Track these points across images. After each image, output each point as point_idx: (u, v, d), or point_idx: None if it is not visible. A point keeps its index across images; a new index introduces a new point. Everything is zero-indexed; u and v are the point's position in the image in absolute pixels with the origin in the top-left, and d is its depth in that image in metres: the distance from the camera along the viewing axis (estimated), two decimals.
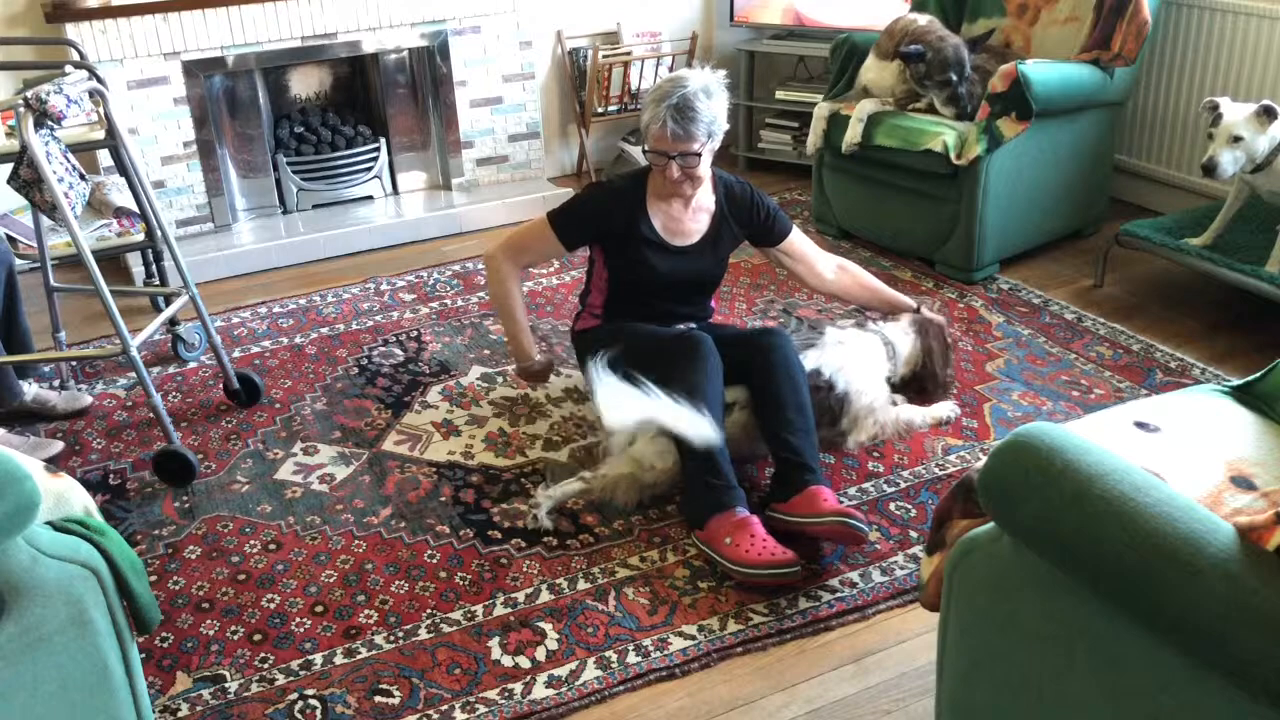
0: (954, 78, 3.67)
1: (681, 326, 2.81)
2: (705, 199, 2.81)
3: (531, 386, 3.13)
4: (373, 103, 4.60)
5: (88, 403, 3.15)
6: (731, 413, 2.64)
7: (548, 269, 3.95)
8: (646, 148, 2.68)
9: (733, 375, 2.65)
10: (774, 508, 2.48)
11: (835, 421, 2.77)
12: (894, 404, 2.88)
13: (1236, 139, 3.10)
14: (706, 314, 2.95)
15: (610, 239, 2.80)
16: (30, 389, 3.07)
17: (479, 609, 2.30)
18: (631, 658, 2.16)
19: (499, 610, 2.30)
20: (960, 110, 3.68)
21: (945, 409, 2.92)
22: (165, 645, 2.23)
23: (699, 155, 2.64)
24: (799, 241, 2.97)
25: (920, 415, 2.90)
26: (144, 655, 2.15)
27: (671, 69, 4.83)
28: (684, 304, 2.86)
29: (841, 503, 2.48)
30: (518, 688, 2.09)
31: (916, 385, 2.95)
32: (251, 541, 2.55)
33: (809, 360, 2.71)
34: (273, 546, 2.53)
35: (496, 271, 2.89)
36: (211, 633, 2.26)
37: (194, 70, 4.05)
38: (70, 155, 2.68)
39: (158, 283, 3.63)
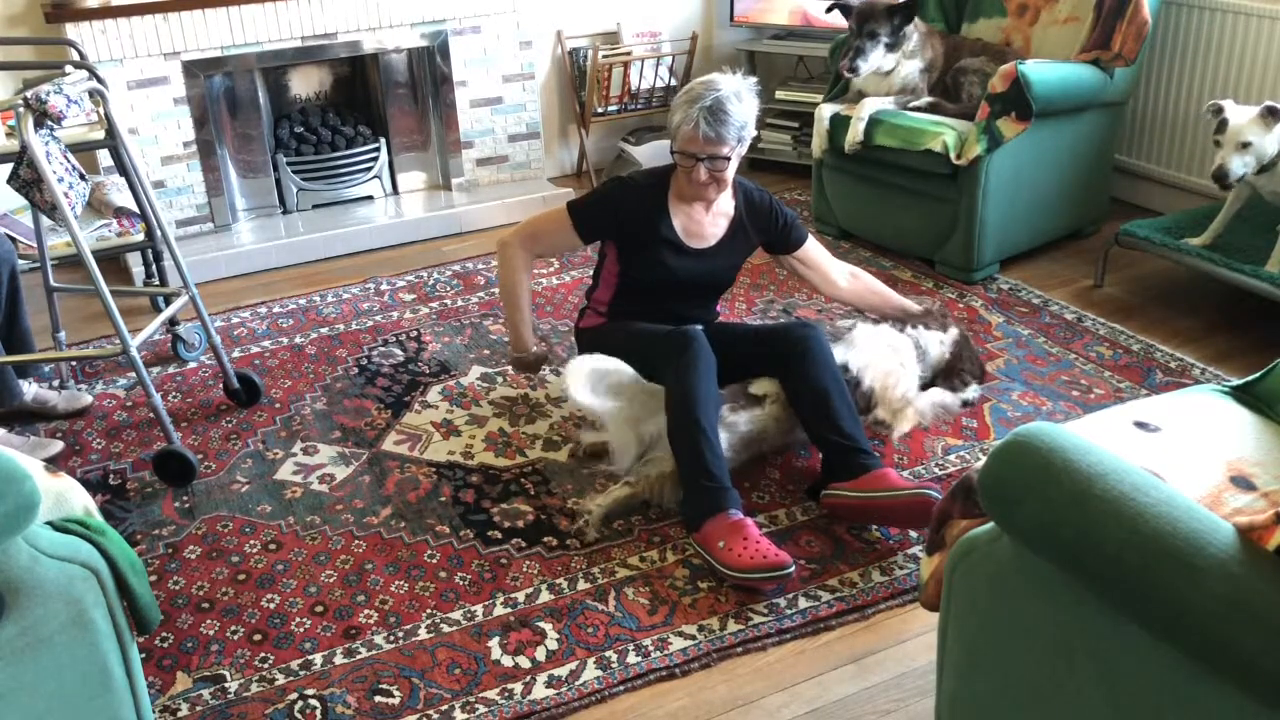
0: (855, 28, 3.81)
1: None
2: (725, 204, 2.81)
3: (528, 379, 3.13)
4: (373, 103, 4.60)
5: (88, 402, 3.15)
6: (764, 406, 2.67)
7: (547, 269, 3.95)
8: (675, 148, 2.67)
9: (759, 369, 2.70)
10: (836, 486, 2.50)
11: (863, 413, 2.83)
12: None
13: (1245, 144, 3.07)
14: (712, 317, 2.95)
15: (628, 235, 2.80)
16: (30, 389, 3.07)
17: (479, 609, 2.30)
18: (631, 658, 2.16)
19: (499, 610, 2.30)
20: (851, 67, 3.80)
21: (971, 390, 2.98)
22: (165, 645, 2.23)
23: (728, 159, 2.63)
24: (814, 250, 2.99)
25: (951, 397, 2.94)
26: (144, 655, 2.15)
27: (671, 69, 4.84)
28: (691, 306, 2.86)
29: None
30: (518, 688, 2.09)
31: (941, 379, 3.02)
32: (251, 541, 2.55)
33: (836, 355, 2.73)
34: (273, 546, 2.53)
35: (509, 259, 2.87)
36: (211, 633, 2.26)
37: (194, 70, 4.05)
38: (70, 155, 2.68)
39: (158, 283, 3.63)
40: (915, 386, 2.89)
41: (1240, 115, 3.10)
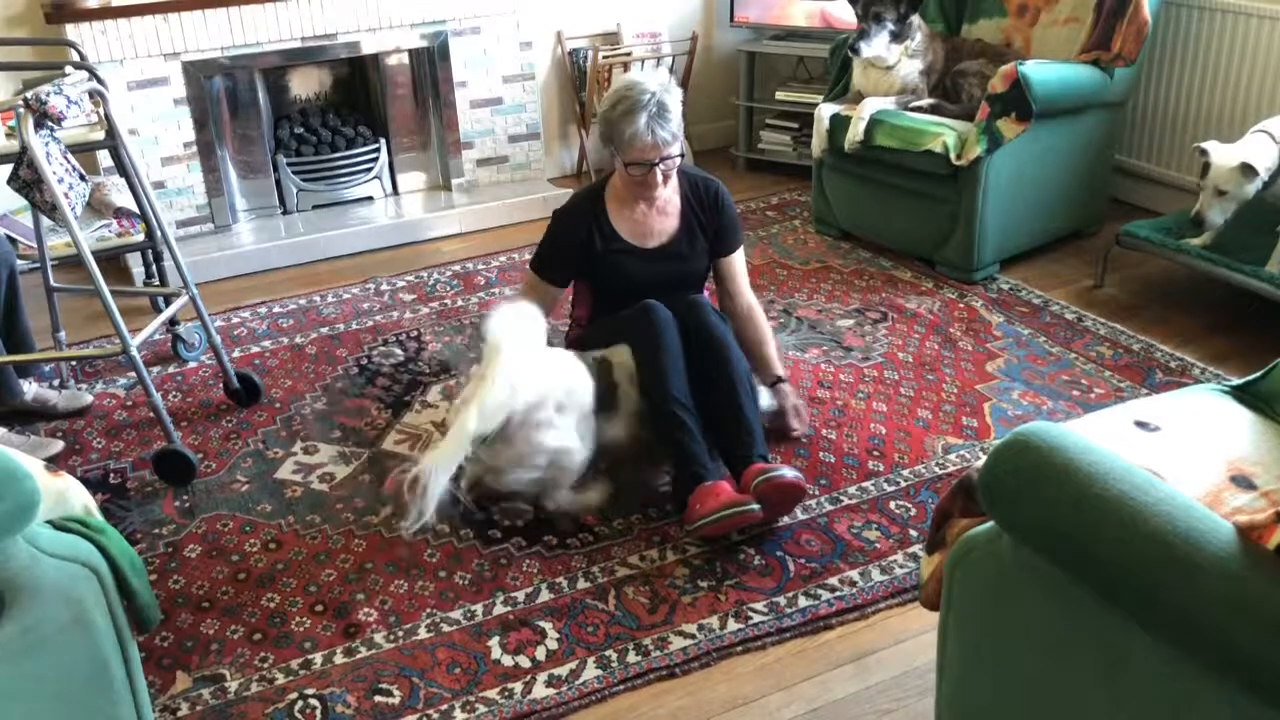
0: (859, 13, 3.85)
1: None
2: (671, 197, 2.81)
3: None
4: (373, 103, 4.60)
5: (88, 402, 3.15)
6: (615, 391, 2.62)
7: None
8: (628, 160, 2.66)
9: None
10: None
11: None
12: None
13: (1221, 192, 3.20)
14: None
15: (586, 258, 2.80)
16: (30, 388, 3.07)
17: (479, 608, 2.30)
18: (631, 657, 2.16)
19: (499, 610, 2.30)
20: (853, 47, 3.83)
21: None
22: (165, 645, 2.23)
23: (682, 156, 2.68)
24: (739, 264, 2.95)
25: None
26: (144, 655, 2.15)
27: (671, 70, 4.83)
28: (671, 303, 2.86)
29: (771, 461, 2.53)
30: (518, 687, 2.09)
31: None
32: (251, 541, 2.55)
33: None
34: (273, 546, 2.53)
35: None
36: (211, 632, 2.26)
37: (194, 71, 4.05)
38: (70, 155, 2.68)
39: (158, 283, 3.62)
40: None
41: (1221, 160, 3.19)
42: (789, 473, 2.43)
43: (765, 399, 2.77)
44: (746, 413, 2.55)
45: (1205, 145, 3.24)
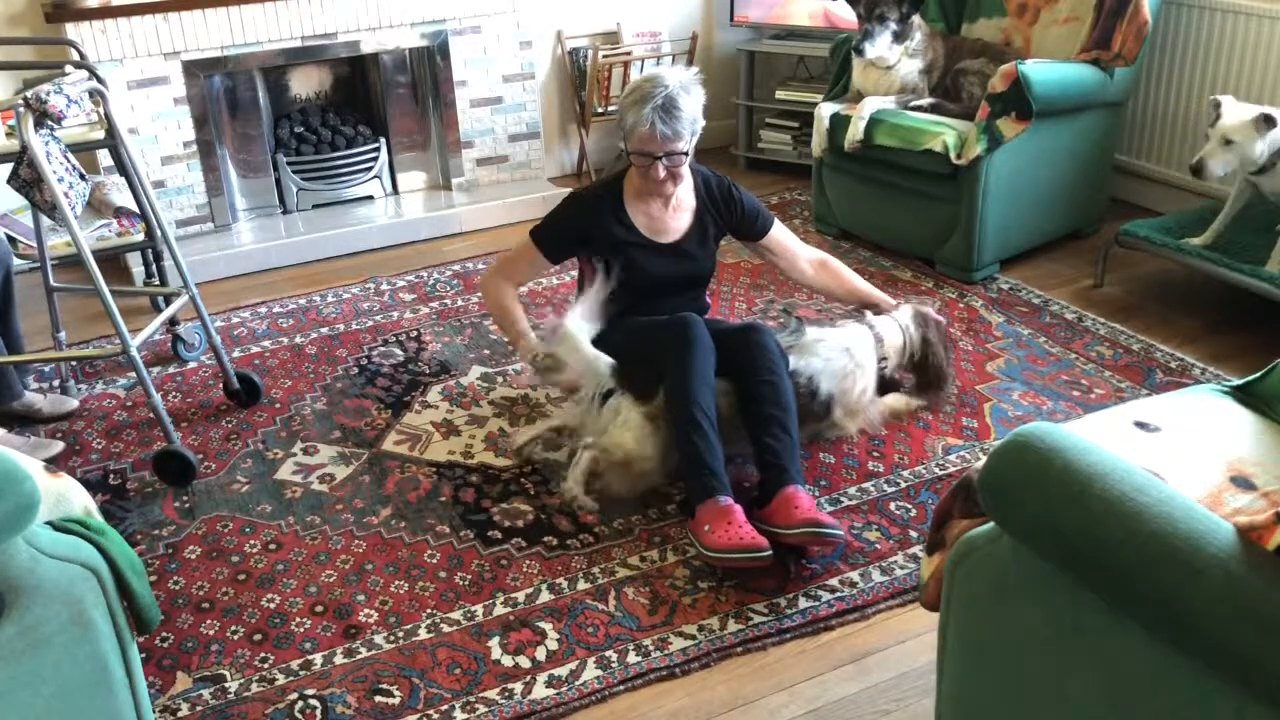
0: (861, 13, 3.85)
1: None
2: (685, 195, 2.83)
3: (556, 388, 3.01)
4: (373, 103, 4.60)
5: (73, 406, 3.13)
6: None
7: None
8: (631, 149, 2.69)
9: (720, 369, 2.67)
10: (756, 514, 2.46)
11: (818, 420, 2.79)
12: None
13: (1229, 143, 3.12)
14: (703, 309, 2.95)
15: (594, 246, 2.81)
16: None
17: (479, 609, 2.30)
18: (631, 657, 2.16)
19: (499, 610, 2.30)
20: (857, 47, 3.83)
21: (898, 399, 2.95)
22: (165, 645, 2.23)
23: (685, 154, 2.67)
24: (781, 236, 3.00)
25: (904, 402, 2.94)
26: (144, 655, 2.15)
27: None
28: (677, 301, 2.86)
29: (816, 500, 2.51)
30: (518, 688, 2.09)
31: (918, 377, 2.96)
32: (251, 541, 2.55)
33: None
34: (273, 546, 2.53)
35: (491, 288, 2.93)
36: (211, 633, 2.26)
37: (194, 70, 4.05)
38: (70, 155, 2.68)
39: (158, 283, 3.63)
40: (872, 387, 2.83)
41: (1234, 114, 3.11)
42: (834, 530, 2.34)
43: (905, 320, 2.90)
44: (791, 432, 2.53)
45: (1220, 98, 3.19)
